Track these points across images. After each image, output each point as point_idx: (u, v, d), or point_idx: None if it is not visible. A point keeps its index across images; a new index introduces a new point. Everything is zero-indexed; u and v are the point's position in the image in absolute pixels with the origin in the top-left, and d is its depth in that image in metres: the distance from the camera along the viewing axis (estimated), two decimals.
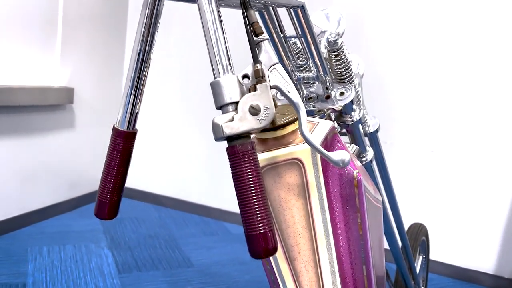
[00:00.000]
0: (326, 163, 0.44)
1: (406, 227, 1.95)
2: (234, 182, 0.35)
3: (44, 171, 2.33)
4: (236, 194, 0.34)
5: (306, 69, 0.63)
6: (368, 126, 0.77)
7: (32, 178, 2.26)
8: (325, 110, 0.64)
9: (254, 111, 0.37)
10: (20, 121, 2.15)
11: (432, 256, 2.36)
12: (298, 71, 0.63)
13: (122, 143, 0.49)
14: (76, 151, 2.52)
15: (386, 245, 1.33)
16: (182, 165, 2.81)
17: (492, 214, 2.23)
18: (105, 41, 2.62)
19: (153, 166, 2.87)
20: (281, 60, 0.60)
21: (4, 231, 2.14)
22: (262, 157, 0.44)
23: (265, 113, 0.38)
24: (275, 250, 0.33)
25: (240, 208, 0.34)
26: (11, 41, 2.04)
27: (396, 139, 2.36)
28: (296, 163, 0.43)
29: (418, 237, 1.57)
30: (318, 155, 0.42)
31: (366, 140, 0.80)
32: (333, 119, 0.67)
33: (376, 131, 0.78)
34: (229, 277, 2.03)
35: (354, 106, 0.64)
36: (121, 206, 2.35)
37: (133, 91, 0.50)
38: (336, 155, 0.39)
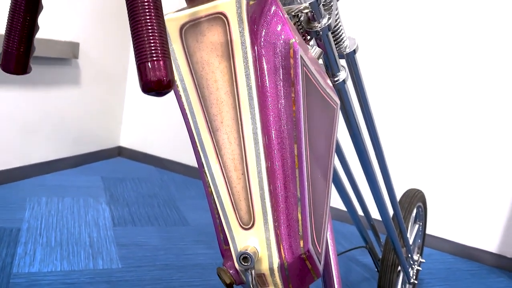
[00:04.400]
0: (258, 30, 0.40)
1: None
2: (127, 10, 0.31)
3: (47, 125, 2.35)
4: (129, 22, 0.31)
5: None
6: (345, 47, 0.72)
7: (34, 131, 2.28)
8: (293, 14, 0.60)
9: None
10: None
11: (434, 232, 2.31)
12: None
13: None
14: (80, 108, 2.53)
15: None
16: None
17: (498, 192, 2.15)
18: None
19: (158, 129, 2.87)
20: None
21: (5, 181, 2.17)
22: (184, 13, 0.41)
23: None
24: (169, 84, 0.30)
25: (132, 38, 0.30)
26: None
27: (400, 102, 2.29)
28: (219, 17, 0.39)
29: (413, 201, 1.52)
30: (243, 8, 0.38)
31: (344, 62, 0.76)
32: (301, 23, 0.62)
33: (354, 51, 0.73)
34: None
35: (322, 11, 0.60)
36: (123, 166, 2.36)
37: None
38: None
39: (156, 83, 0.30)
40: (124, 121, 2.92)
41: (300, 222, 0.41)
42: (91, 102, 2.60)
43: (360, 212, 2.30)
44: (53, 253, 1.63)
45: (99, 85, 2.63)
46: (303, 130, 0.41)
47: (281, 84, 0.40)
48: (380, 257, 1.46)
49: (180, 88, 0.41)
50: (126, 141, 2.95)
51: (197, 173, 2.80)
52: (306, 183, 0.41)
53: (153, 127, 2.88)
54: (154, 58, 0.29)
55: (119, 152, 2.95)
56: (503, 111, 2.11)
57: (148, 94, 0.31)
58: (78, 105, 2.51)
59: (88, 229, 1.88)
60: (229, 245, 0.44)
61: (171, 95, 2.81)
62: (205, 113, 0.41)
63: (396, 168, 2.34)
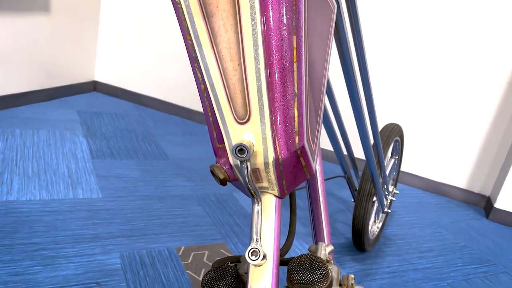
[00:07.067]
0: None
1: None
2: None
3: (16, 56, 2.23)
4: None
5: None
6: None
7: (3, 62, 2.17)
8: None
9: None
10: None
11: (406, 169, 2.39)
12: None
13: None
14: (51, 37, 2.40)
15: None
16: (167, 65, 2.71)
17: (467, 131, 2.22)
18: None
19: (136, 64, 2.78)
20: None
21: None
22: None
23: None
24: None
25: None
26: None
27: (384, 48, 2.27)
28: None
29: (392, 135, 1.55)
30: None
31: None
32: None
33: None
34: (204, 171, 2.04)
35: None
36: (99, 101, 2.30)
37: None
38: None
39: None
40: (99, 54, 2.80)
41: (296, 118, 0.40)
42: (62, 32, 2.46)
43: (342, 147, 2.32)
44: (31, 183, 1.61)
45: (70, 13, 2.48)
46: (302, 21, 0.39)
47: None
48: (357, 187, 1.50)
49: None
50: (102, 76, 2.85)
51: (177, 110, 2.76)
52: (304, 79, 0.40)
53: (130, 61, 2.78)
54: None
55: (95, 86, 2.86)
56: (478, 53, 2.12)
57: None
58: (48, 34, 2.38)
59: (66, 160, 1.85)
60: (223, 142, 0.43)
61: (141, 13, 2.69)
62: None
63: (376, 103, 2.36)
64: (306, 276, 0.45)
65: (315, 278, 0.45)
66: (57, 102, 2.53)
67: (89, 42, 2.70)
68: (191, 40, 0.40)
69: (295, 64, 0.39)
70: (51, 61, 2.45)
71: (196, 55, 0.40)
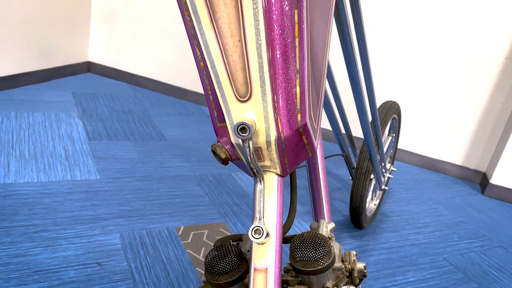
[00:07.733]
0: None
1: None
2: None
3: (9, 37, 2.19)
4: None
5: None
6: None
7: None
8: None
9: None
10: None
11: (403, 146, 2.39)
12: None
13: None
14: (45, 19, 2.35)
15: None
16: (161, 45, 2.67)
17: (465, 108, 2.22)
18: None
19: (130, 44, 2.74)
20: None
21: None
22: None
23: None
24: None
25: None
26: None
27: (382, 24, 2.25)
28: None
29: (389, 112, 1.54)
30: None
31: None
32: None
33: None
34: (201, 152, 2.03)
35: None
36: (94, 82, 2.28)
37: None
38: None
39: None
40: (93, 35, 2.76)
41: (298, 95, 0.39)
42: (55, 12, 2.41)
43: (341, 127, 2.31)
44: (28, 165, 1.61)
45: None
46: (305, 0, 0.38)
47: None
48: (355, 165, 1.51)
49: None
50: (96, 56, 2.81)
51: (172, 91, 2.74)
52: (306, 55, 0.39)
53: (124, 41, 2.74)
54: None
55: (89, 67, 2.82)
56: (476, 30, 2.10)
57: None
58: (41, 15, 2.33)
59: (63, 142, 1.84)
60: (224, 121, 0.42)
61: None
62: None
63: (373, 80, 2.35)
64: (309, 253, 0.46)
65: (318, 255, 0.46)
66: (51, 84, 2.50)
67: (82, 23, 2.65)
68: (190, 16, 0.39)
69: (297, 40, 0.38)
70: (44, 42, 2.41)
71: (195, 32, 0.39)
